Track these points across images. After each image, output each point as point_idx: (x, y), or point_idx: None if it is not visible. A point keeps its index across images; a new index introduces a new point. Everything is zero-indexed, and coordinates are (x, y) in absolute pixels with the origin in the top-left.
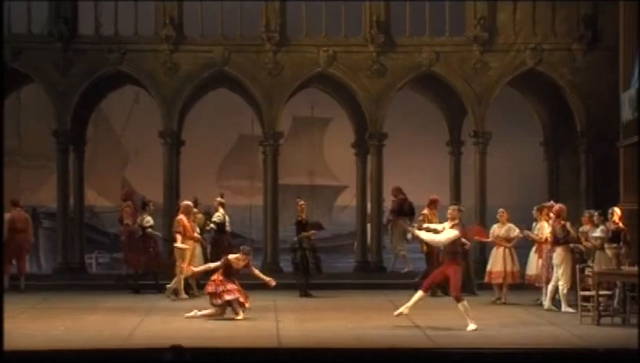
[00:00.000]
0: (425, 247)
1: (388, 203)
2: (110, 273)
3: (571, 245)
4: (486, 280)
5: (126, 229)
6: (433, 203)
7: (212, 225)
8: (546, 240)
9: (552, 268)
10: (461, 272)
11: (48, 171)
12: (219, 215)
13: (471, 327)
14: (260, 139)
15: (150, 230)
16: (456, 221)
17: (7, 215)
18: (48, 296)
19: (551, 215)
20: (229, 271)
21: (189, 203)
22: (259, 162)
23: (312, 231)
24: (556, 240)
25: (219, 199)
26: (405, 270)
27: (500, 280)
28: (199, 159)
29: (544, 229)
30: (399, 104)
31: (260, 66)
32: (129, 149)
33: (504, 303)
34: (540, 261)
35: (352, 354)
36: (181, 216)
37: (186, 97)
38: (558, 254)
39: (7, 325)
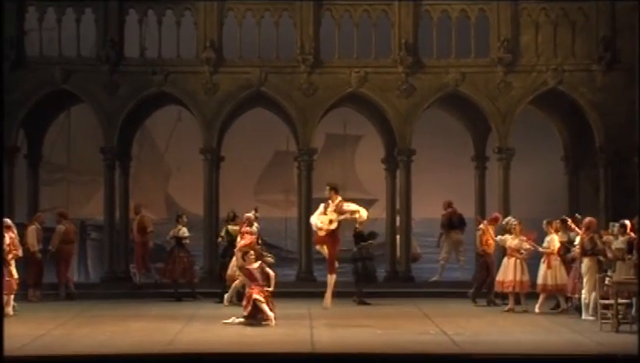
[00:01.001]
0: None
1: (416, 214)
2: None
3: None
4: (498, 289)
5: (143, 239)
6: (494, 220)
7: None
8: (553, 251)
9: (580, 279)
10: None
11: (95, 186)
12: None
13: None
14: (295, 155)
15: (186, 241)
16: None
17: (59, 227)
18: (95, 303)
19: (573, 226)
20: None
21: (251, 215)
22: (294, 177)
23: (371, 241)
24: (584, 252)
25: (252, 213)
26: (434, 279)
27: (511, 289)
28: (237, 174)
29: (553, 241)
30: (426, 122)
31: (295, 87)
32: (172, 165)
33: (525, 311)
34: (549, 271)
35: (381, 359)
36: (246, 227)
37: (225, 116)
38: (585, 265)
39: (58, 331)
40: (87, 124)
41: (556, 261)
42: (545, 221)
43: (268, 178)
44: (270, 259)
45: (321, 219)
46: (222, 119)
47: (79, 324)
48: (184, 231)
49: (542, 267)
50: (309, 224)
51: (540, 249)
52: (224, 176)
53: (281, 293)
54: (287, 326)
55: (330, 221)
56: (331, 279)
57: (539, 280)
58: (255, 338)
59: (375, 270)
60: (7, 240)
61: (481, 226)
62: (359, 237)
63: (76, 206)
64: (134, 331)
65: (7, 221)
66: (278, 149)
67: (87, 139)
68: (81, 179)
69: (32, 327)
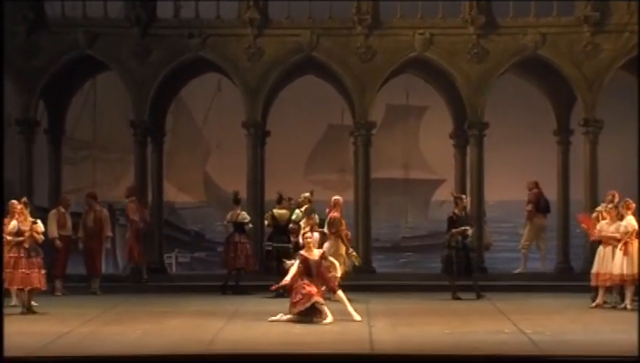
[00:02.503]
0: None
1: (488, 196)
2: (191, 274)
3: None
4: (593, 283)
5: (134, 226)
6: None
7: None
8: (632, 235)
9: None
10: None
11: (124, 164)
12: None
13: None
14: (351, 129)
15: (249, 226)
16: None
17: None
18: (125, 298)
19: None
20: (309, 270)
21: (339, 197)
22: (350, 155)
23: (464, 228)
24: None
25: (306, 194)
26: (518, 270)
27: (608, 283)
28: (285, 151)
29: (631, 224)
30: (501, 91)
31: (351, 51)
32: (211, 141)
33: (614, 307)
34: (625, 258)
35: (450, 361)
36: (335, 213)
37: (271, 85)
38: None
39: (85, 329)
40: (115, 95)
41: (633, 246)
42: (620, 203)
43: (320, 156)
44: (355, 257)
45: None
46: (267, 88)
47: (107, 321)
48: (244, 215)
49: (619, 254)
50: (366, 209)
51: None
52: (270, 153)
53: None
54: (342, 324)
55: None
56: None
57: (615, 270)
58: (305, 337)
59: (468, 261)
60: (13, 225)
61: (599, 208)
62: (451, 222)
63: (104, 188)
64: (170, 329)
65: (15, 203)
66: (332, 122)
67: (115, 112)
68: (108, 157)
69: (55, 324)
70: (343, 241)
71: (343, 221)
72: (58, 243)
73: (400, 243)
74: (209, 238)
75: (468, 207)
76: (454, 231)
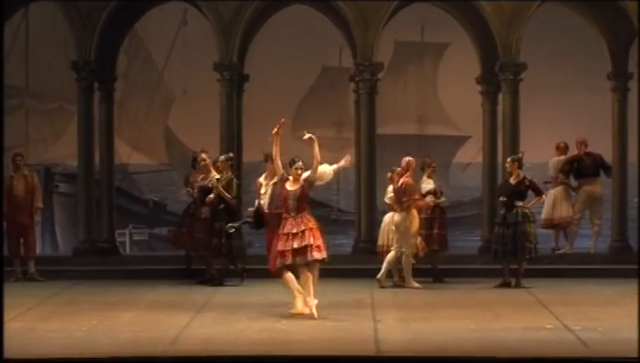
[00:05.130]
0: None
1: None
2: (149, 255)
3: None
4: None
5: None
6: None
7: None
8: None
9: None
10: None
11: (65, 116)
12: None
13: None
14: (351, 73)
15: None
16: None
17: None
18: (66, 286)
19: None
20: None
21: (411, 158)
22: (350, 105)
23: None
24: None
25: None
26: (563, 250)
27: None
28: (267, 100)
29: None
30: (541, 24)
31: None
32: (174, 87)
33: None
34: None
35: None
36: (408, 178)
37: (250, 17)
38: None
39: (14, 325)
40: (52, 28)
41: None
42: None
43: (312, 107)
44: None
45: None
46: (244, 21)
47: (44, 314)
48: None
49: None
50: (371, 173)
51: None
52: (248, 103)
53: (332, 271)
54: (340, 318)
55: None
56: (289, 279)
57: None
58: (293, 335)
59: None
60: None
61: None
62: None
63: (39, 146)
64: (122, 325)
65: None
66: (327, 64)
67: (53, 50)
68: (45, 108)
69: None
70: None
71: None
72: None
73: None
74: (172, 210)
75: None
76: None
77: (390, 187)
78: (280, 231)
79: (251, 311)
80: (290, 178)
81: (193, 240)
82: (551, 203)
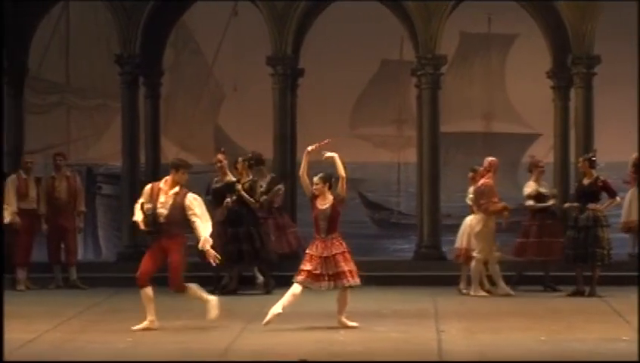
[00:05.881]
0: None
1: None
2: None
3: None
4: None
5: None
6: None
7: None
8: None
9: None
10: None
11: (108, 113)
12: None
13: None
14: (413, 67)
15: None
16: None
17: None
18: (110, 293)
19: None
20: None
21: (494, 158)
22: (412, 101)
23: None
24: None
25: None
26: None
27: None
28: (323, 96)
29: None
30: (616, 13)
31: None
32: (225, 82)
33: None
34: None
35: None
36: (488, 179)
37: (305, 7)
38: None
39: (53, 335)
40: (93, 20)
41: None
42: None
43: (370, 103)
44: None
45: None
46: (299, 11)
47: (86, 324)
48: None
49: None
50: (434, 173)
51: None
52: (303, 100)
53: (393, 278)
54: (401, 328)
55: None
56: (193, 293)
57: None
58: (352, 346)
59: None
60: None
61: None
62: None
63: (80, 145)
64: (170, 336)
65: None
66: (387, 57)
67: (95, 44)
68: (86, 104)
69: (16, 329)
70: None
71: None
72: (18, 220)
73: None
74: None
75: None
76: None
77: (471, 188)
78: (308, 251)
79: (306, 320)
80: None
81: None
82: (627, 205)
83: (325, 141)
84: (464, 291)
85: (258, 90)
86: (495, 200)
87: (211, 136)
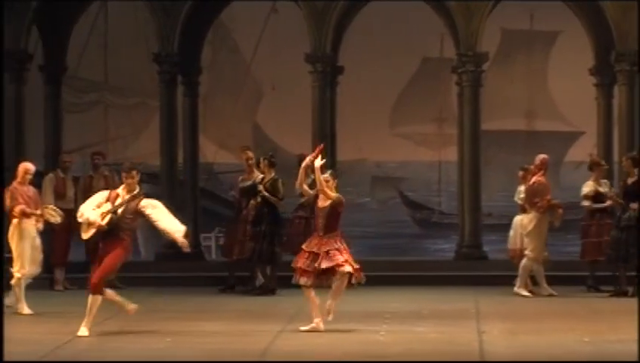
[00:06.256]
0: None
1: None
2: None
3: None
4: None
5: None
6: None
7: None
8: None
9: None
10: None
11: (146, 112)
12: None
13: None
14: (453, 64)
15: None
16: None
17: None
18: (148, 293)
19: None
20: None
21: (546, 156)
22: (452, 98)
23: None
24: None
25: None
26: None
27: None
28: (363, 94)
29: None
30: None
31: None
32: (263, 80)
33: None
34: None
35: None
36: (541, 177)
37: (345, 4)
38: None
39: (92, 335)
40: (131, 19)
41: None
42: None
43: (411, 101)
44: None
45: (97, 212)
46: (339, 8)
47: (124, 324)
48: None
49: None
50: (475, 171)
51: None
52: (343, 98)
53: (433, 278)
54: (442, 328)
55: (104, 215)
56: (94, 301)
57: None
58: (392, 346)
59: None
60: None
61: None
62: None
63: (118, 144)
64: (208, 336)
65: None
66: (427, 55)
67: (133, 42)
68: (125, 103)
69: (55, 328)
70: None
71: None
72: (56, 218)
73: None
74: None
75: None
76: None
77: (522, 187)
78: (304, 247)
79: (346, 320)
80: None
81: (240, 245)
82: None
83: (320, 147)
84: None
85: (297, 88)
86: (549, 197)
87: (249, 134)
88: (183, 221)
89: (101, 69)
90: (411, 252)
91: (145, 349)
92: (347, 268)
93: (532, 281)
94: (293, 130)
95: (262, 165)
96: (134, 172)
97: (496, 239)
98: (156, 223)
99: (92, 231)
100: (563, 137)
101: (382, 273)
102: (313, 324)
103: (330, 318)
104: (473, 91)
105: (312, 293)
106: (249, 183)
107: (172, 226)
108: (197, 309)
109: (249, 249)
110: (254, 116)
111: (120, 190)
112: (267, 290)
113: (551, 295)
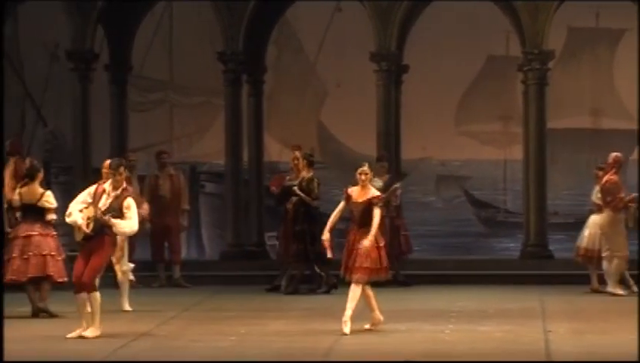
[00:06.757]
0: None
1: None
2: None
3: None
4: None
5: None
6: None
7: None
8: None
9: None
10: None
11: (211, 111)
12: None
13: None
14: (519, 62)
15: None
16: None
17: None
18: (213, 292)
19: None
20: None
21: (619, 154)
22: (518, 97)
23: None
24: None
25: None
26: None
27: None
28: (427, 93)
29: None
30: None
31: None
32: (328, 79)
33: None
34: None
35: None
36: (613, 175)
37: (409, 3)
38: None
39: (160, 333)
40: (196, 18)
41: None
42: None
43: (476, 99)
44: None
45: (82, 215)
46: (404, 7)
47: (190, 322)
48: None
49: None
50: (541, 170)
51: None
52: (408, 96)
53: (498, 277)
54: (507, 327)
55: (88, 221)
56: (94, 300)
57: None
58: (458, 345)
59: None
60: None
61: None
62: None
63: (183, 143)
64: (273, 334)
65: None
66: (492, 53)
67: (198, 41)
68: (190, 102)
69: (123, 326)
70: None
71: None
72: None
73: (587, 217)
74: (325, 211)
75: None
76: None
77: (598, 187)
78: (346, 243)
79: (412, 319)
80: (356, 186)
81: (283, 244)
82: None
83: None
84: (602, 289)
85: (361, 87)
86: (622, 195)
87: (314, 133)
88: (248, 220)
89: (166, 68)
90: (477, 251)
91: (209, 348)
92: (357, 278)
93: (599, 280)
94: (358, 129)
95: (300, 165)
96: (121, 169)
97: (562, 238)
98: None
99: (82, 235)
100: (630, 135)
101: (447, 272)
102: (373, 320)
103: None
104: (539, 89)
105: (365, 287)
106: (289, 183)
107: (123, 222)
108: (261, 308)
109: (292, 249)
110: (318, 115)
111: (107, 185)
112: (330, 286)
113: (618, 294)
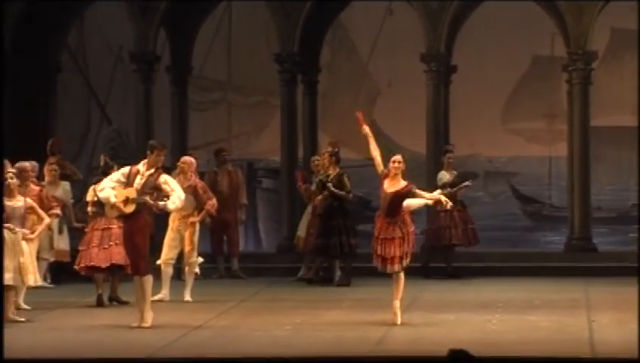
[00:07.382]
0: None
1: None
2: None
3: None
4: None
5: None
6: None
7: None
8: None
9: None
10: None
11: (268, 110)
12: None
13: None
14: (564, 62)
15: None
16: None
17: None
18: (269, 283)
19: None
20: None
21: None
22: (563, 96)
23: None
24: None
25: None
26: None
27: None
28: (475, 92)
29: None
30: None
31: None
32: (380, 79)
33: None
34: None
35: None
36: None
37: (458, 5)
38: None
39: (217, 323)
40: (254, 20)
41: None
42: None
43: (522, 98)
44: None
45: (116, 192)
46: (453, 9)
47: (248, 312)
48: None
49: None
50: (585, 166)
51: None
52: (456, 95)
53: (544, 269)
54: (553, 317)
55: (127, 201)
56: (147, 283)
57: None
58: (506, 334)
59: None
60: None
61: None
62: None
63: (241, 141)
64: (326, 325)
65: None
66: (538, 53)
67: (256, 43)
68: (247, 101)
69: (182, 317)
70: None
71: None
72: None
73: (630, 212)
74: (376, 206)
75: None
76: None
77: None
78: (375, 233)
79: (460, 309)
80: (389, 175)
81: (308, 237)
82: None
83: (357, 113)
84: None
85: (412, 86)
86: None
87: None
88: (302, 214)
89: (225, 69)
90: (522, 244)
91: (266, 337)
92: (395, 269)
93: None
94: (409, 127)
95: (326, 161)
96: (166, 150)
97: (605, 231)
98: (167, 193)
99: (116, 213)
100: None
101: (494, 264)
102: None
103: (398, 321)
104: (583, 88)
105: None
106: (317, 179)
107: (169, 199)
108: (315, 299)
109: (319, 243)
110: (371, 113)
111: (140, 166)
112: (344, 283)
113: None
